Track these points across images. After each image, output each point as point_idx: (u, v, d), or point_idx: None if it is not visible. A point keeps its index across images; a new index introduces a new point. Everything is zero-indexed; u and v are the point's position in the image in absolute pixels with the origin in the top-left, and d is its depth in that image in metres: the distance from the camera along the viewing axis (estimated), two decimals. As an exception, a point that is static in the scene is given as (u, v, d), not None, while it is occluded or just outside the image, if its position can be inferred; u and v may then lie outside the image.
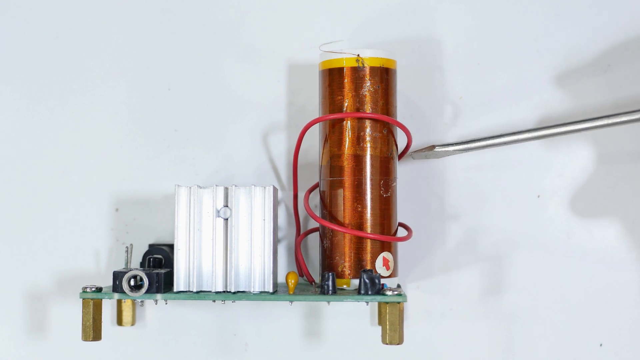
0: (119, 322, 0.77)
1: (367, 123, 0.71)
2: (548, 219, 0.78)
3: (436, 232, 0.78)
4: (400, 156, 0.75)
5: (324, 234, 0.72)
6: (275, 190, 0.70)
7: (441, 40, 0.79)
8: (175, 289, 0.68)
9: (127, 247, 0.73)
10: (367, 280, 0.67)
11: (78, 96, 0.80)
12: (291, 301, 0.68)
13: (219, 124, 0.79)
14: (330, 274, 0.68)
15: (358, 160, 0.71)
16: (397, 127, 0.72)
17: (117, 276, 0.68)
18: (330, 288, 0.68)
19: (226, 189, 0.69)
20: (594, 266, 0.77)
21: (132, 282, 0.68)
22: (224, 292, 0.68)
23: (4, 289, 0.79)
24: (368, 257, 0.71)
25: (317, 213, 0.77)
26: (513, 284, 0.78)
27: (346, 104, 0.71)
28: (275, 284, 0.70)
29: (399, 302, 0.67)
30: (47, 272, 0.79)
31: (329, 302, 0.68)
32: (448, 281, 0.78)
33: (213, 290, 0.68)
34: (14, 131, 0.80)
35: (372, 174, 0.71)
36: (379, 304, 0.75)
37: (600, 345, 0.77)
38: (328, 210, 0.72)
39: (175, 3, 0.80)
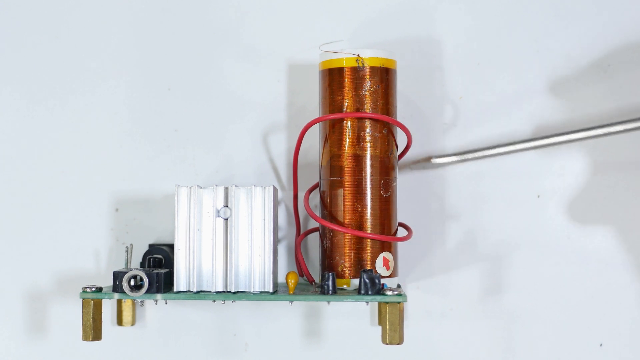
0: (119, 322, 0.77)
1: (367, 123, 0.71)
2: (548, 219, 0.78)
3: (436, 232, 0.78)
4: (401, 156, 0.75)
5: (324, 234, 0.72)
6: (275, 190, 0.70)
7: (441, 40, 0.79)
8: (175, 289, 0.68)
9: (127, 247, 0.73)
10: (367, 280, 0.67)
11: (78, 96, 0.80)
12: (291, 301, 0.68)
13: (219, 124, 0.79)
14: (330, 274, 0.68)
15: (358, 160, 0.71)
16: (397, 127, 0.72)
17: (117, 276, 0.68)
18: (330, 288, 0.68)
19: (226, 189, 0.69)
20: (594, 266, 0.77)
21: (132, 282, 0.68)
22: (224, 292, 0.68)
23: (4, 289, 0.79)
24: (368, 257, 0.71)
25: (317, 213, 0.77)
26: (513, 284, 0.78)
27: (346, 104, 0.71)
28: (275, 284, 0.70)
29: (399, 302, 0.67)
30: (47, 272, 0.79)
31: (329, 302, 0.68)
32: (448, 281, 0.78)
33: (213, 290, 0.68)
34: (14, 131, 0.80)
35: (372, 174, 0.71)
36: (379, 304, 0.75)
37: (600, 345, 0.77)
38: (328, 210, 0.72)
39: (175, 3, 0.80)
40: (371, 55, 0.71)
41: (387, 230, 0.72)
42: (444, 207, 0.78)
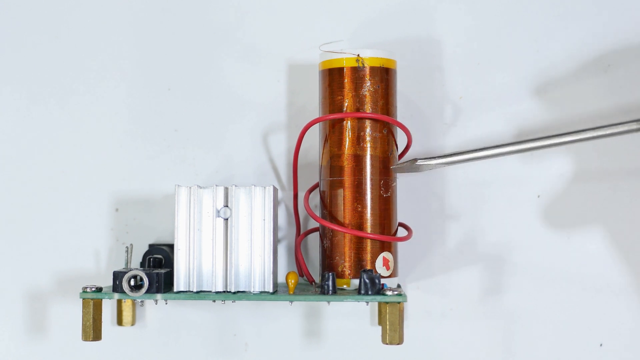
0: (119, 322, 0.77)
1: (367, 123, 0.71)
2: (548, 219, 0.78)
3: (436, 232, 0.78)
4: (401, 156, 0.75)
5: (324, 234, 0.72)
6: (275, 190, 0.70)
7: (441, 40, 0.79)
8: (175, 289, 0.68)
9: (127, 247, 0.73)
10: (367, 280, 0.67)
11: (78, 96, 0.80)
12: (291, 301, 0.68)
13: (219, 124, 0.79)
14: (330, 274, 0.68)
15: (358, 160, 0.71)
16: (397, 127, 0.72)
17: (117, 276, 0.68)
18: (330, 288, 0.68)
19: (226, 189, 0.69)
20: (594, 266, 0.77)
21: (132, 282, 0.68)
22: (224, 292, 0.68)
23: (4, 289, 0.79)
24: (368, 257, 0.71)
25: (317, 213, 0.77)
26: (513, 284, 0.78)
27: (346, 104, 0.71)
28: (275, 284, 0.70)
29: (399, 302, 0.67)
30: (47, 272, 0.79)
31: (329, 302, 0.68)
32: (448, 281, 0.78)
33: (213, 290, 0.68)
34: (14, 131, 0.80)
35: (372, 174, 0.71)
36: (379, 304, 0.75)
37: (600, 345, 0.77)
38: (328, 210, 0.72)
39: (175, 3, 0.80)
40: (371, 55, 0.71)
41: (387, 230, 0.72)
42: (444, 207, 0.78)
